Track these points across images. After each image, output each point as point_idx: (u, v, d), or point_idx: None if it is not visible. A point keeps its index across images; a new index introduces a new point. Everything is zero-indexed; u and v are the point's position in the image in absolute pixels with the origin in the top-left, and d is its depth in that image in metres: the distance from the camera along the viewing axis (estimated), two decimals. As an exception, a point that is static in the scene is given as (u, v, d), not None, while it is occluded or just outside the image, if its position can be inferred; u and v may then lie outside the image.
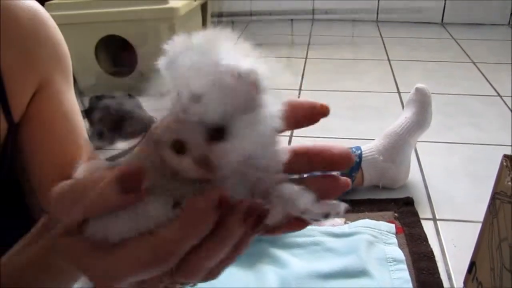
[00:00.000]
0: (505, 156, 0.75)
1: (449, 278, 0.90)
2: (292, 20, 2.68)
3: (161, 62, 0.26)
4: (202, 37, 0.25)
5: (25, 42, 0.60)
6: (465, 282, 0.87)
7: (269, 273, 0.85)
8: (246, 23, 2.60)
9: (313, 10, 2.68)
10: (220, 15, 2.67)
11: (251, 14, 2.68)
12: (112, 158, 0.35)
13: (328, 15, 2.67)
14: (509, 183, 0.70)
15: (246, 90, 0.24)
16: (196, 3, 2.18)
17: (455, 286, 0.88)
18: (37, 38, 0.61)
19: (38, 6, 0.63)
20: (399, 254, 0.92)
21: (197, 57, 0.24)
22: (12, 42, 0.58)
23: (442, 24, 2.62)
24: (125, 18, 1.89)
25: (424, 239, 0.98)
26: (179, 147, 0.25)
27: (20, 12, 0.59)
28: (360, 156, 1.07)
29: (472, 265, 0.84)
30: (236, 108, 0.24)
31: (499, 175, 0.76)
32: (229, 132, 0.25)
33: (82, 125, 0.66)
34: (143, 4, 1.88)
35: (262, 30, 2.54)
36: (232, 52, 0.25)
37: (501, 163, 0.75)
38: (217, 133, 0.25)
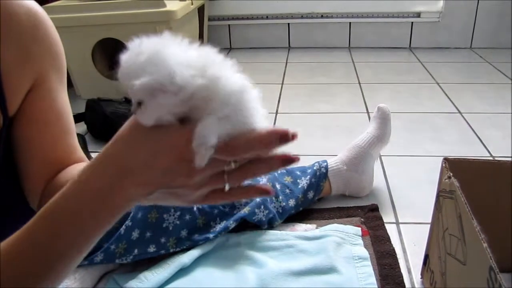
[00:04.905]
0: (445, 159, 0.87)
1: (409, 272, 1.00)
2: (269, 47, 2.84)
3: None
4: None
5: (23, 38, 0.60)
6: (422, 274, 0.98)
7: (247, 272, 0.94)
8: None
9: (288, 39, 2.85)
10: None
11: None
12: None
13: (303, 43, 2.84)
14: (447, 180, 0.82)
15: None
16: (193, 6, 2.18)
17: (414, 278, 0.99)
18: (35, 35, 0.62)
19: (36, 4, 0.64)
20: (364, 252, 1.02)
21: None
22: (10, 37, 0.59)
23: (410, 48, 2.80)
24: (122, 21, 1.87)
25: (387, 239, 1.09)
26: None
27: (18, 8, 0.60)
28: (326, 167, 1.19)
29: (426, 257, 0.95)
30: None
31: (440, 176, 0.88)
32: None
33: (73, 124, 0.67)
34: (140, 7, 1.86)
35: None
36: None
37: (441, 165, 0.87)
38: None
